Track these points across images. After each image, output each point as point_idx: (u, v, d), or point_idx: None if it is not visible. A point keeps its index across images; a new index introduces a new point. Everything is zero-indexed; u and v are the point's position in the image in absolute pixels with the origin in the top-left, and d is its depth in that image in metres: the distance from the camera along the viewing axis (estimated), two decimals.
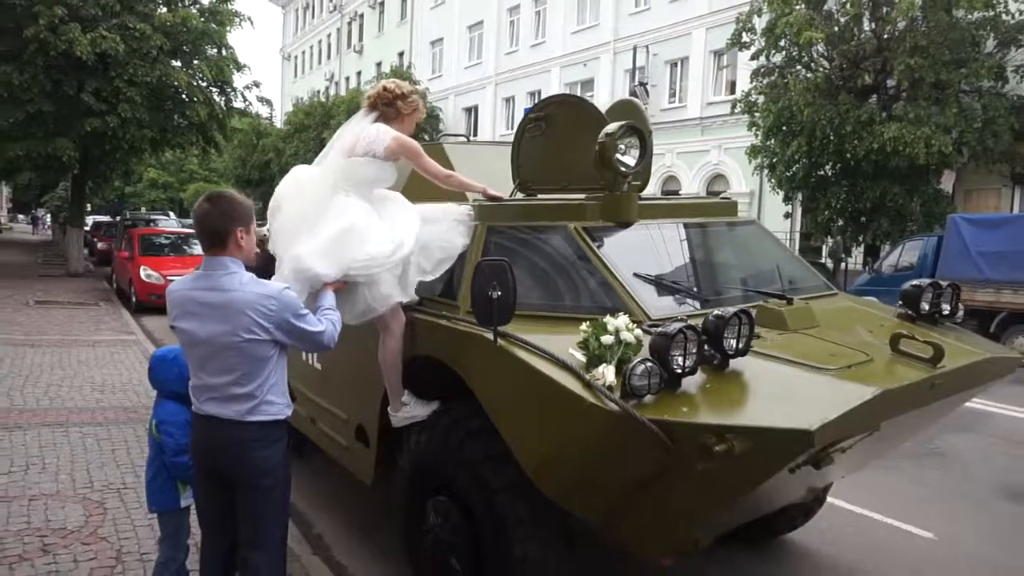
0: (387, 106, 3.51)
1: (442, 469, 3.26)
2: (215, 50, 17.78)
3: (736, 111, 18.40)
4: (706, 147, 24.35)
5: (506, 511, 2.96)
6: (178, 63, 17.15)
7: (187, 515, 3.25)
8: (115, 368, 8.28)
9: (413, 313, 3.45)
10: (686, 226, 3.60)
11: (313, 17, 53.06)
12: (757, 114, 17.46)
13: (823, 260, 18.37)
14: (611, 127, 3.31)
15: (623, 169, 3.33)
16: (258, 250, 2.93)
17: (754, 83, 17.69)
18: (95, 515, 4.30)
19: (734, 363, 2.62)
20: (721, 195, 24.39)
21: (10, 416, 6.18)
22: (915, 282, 3.50)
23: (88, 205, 27.50)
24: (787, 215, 19.09)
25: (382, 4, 42.37)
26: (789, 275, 3.74)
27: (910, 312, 3.46)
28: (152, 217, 28.77)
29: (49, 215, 39.05)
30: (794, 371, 2.61)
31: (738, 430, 2.28)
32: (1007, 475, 6.15)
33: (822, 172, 17.04)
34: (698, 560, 4.18)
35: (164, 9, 16.85)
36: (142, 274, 13.78)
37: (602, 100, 27.79)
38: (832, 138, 15.76)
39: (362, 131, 3.45)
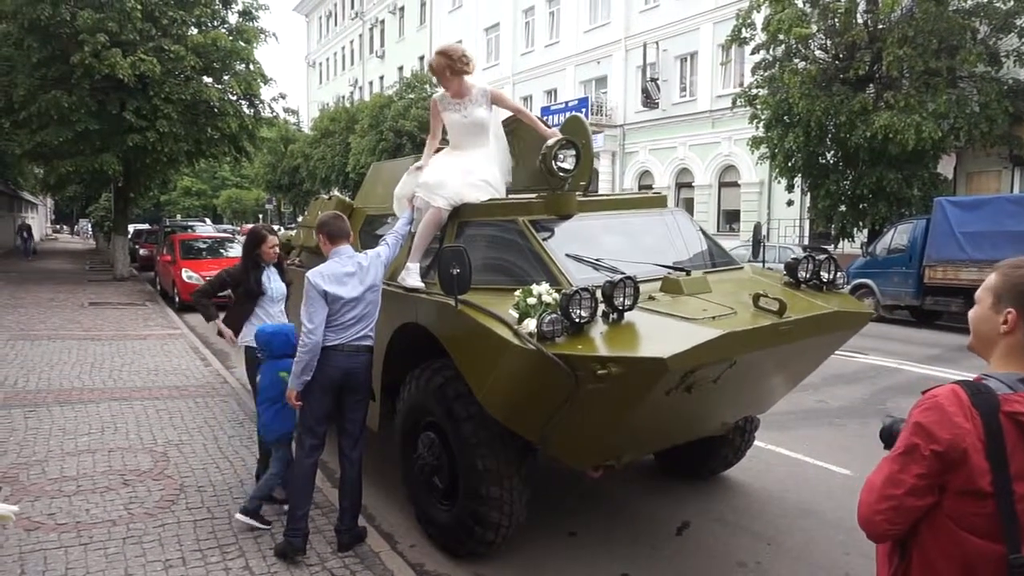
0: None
1: (426, 407, 4.25)
2: (243, 65, 19.03)
3: (738, 105, 19.09)
4: (717, 139, 25.02)
5: (470, 435, 3.94)
6: (209, 80, 18.45)
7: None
8: (165, 357, 9.44)
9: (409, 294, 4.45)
10: (617, 217, 4.55)
11: (336, 24, 54.58)
12: (758, 106, 18.16)
13: (829, 246, 19.01)
14: (550, 141, 4.29)
15: (561, 174, 4.29)
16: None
17: (755, 76, 18.41)
18: (160, 462, 5.39)
19: (628, 316, 3.56)
20: (732, 183, 24.74)
21: (84, 393, 7.34)
22: (794, 256, 4.39)
23: None
24: (789, 203, 19.71)
25: (402, 10, 43.62)
26: (701, 253, 4.67)
27: (792, 280, 4.35)
28: (190, 224, 30.32)
29: (91, 225, 41.07)
30: (671, 321, 3.53)
31: (614, 359, 3.22)
32: None
33: (822, 160, 17.68)
34: (650, 491, 5.13)
35: (195, 31, 18.13)
36: (184, 276, 15.03)
37: (615, 96, 28.66)
38: (830, 128, 16.41)
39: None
